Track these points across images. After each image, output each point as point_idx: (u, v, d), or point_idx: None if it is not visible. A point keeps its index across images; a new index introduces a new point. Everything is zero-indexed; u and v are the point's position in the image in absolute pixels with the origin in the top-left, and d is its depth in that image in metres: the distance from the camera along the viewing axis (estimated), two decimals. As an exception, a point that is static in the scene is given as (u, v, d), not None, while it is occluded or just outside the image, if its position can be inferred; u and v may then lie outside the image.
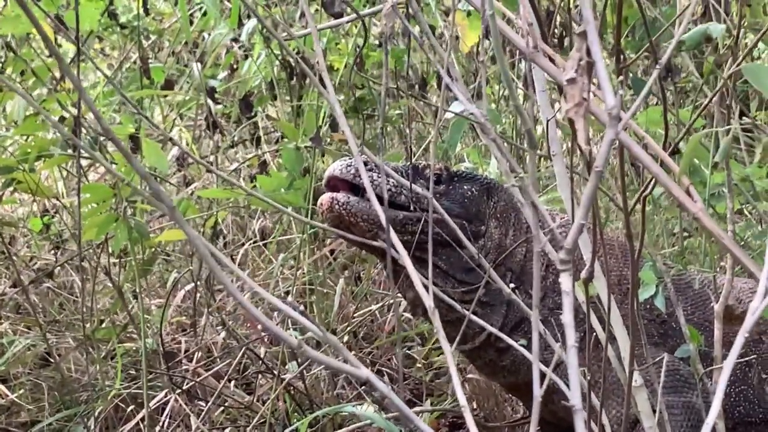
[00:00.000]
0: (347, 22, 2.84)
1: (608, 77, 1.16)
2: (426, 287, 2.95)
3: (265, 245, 5.03)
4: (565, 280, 1.26)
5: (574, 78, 1.19)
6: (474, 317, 2.71)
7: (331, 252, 4.90)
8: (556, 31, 4.77)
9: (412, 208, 3.13)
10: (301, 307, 1.09)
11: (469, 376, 4.09)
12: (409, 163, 3.18)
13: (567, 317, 1.28)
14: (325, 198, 3.10)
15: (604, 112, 1.24)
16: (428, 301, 1.45)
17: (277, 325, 4.32)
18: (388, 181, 3.12)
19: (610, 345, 2.84)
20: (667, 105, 2.23)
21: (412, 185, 2.52)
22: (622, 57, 2.22)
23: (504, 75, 1.39)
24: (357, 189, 3.12)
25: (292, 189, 3.42)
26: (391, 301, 4.51)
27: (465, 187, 3.26)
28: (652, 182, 2.24)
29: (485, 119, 1.36)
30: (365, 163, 3.11)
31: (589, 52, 1.16)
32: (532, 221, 1.25)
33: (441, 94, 1.72)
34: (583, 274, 2.55)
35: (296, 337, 4.04)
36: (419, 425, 1.23)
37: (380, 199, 3.08)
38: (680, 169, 1.54)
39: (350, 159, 3.14)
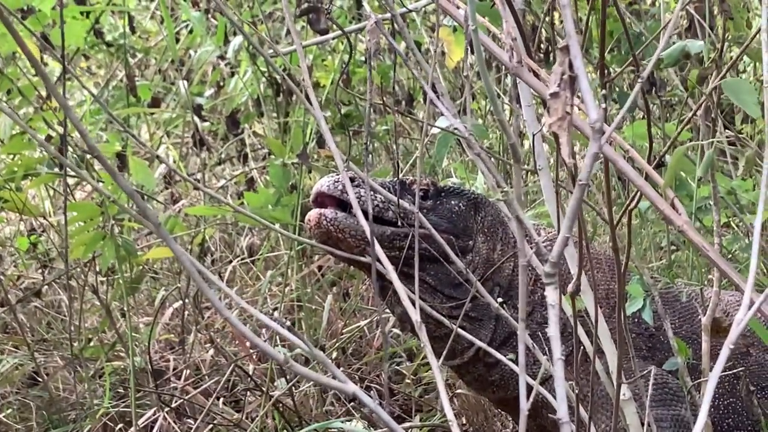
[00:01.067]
0: (333, 38, 2.85)
1: (591, 91, 1.16)
2: (413, 302, 2.95)
3: (253, 262, 5.03)
4: (550, 294, 1.27)
5: (557, 92, 1.20)
6: (462, 332, 2.72)
7: (319, 268, 4.91)
8: (542, 45, 4.79)
9: (399, 223, 3.14)
10: (288, 323, 1.09)
11: (459, 391, 4.09)
12: (396, 178, 3.18)
13: (553, 330, 1.28)
14: (313, 214, 3.11)
15: (588, 126, 1.25)
16: (415, 317, 1.46)
17: (265, 341, 4.32)
18: (376, 196, 3.12)
19: (598, 358, 2.85)
20: (651, 119, 2.24)
21: (400, 201, 2.53)
22: (606, 71, 2.23)
23: (488, 90, 1.40)
24: (345, 205, 3.12)
25: (280, 205, 3.43)
26: (380, 317, 4.52)
27: (452, 202, 3.26)
28: (638, 196, 2.25)
29: (470, 134, 1.37)
30: (352, 179, 3.11)
31: (571, 66, 1.17)
32: (518, 236, 1.26)
33: (426, 110, 1.73)
34: (570, 288, 2.56)
35: (284, 354, 4.05)
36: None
37: (368, 214, 3.10)
38: (665, 182, 1.55)
39: (337, 175, 3.14)
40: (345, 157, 2.61)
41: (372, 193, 3.08)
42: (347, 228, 3.08)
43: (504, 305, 2.77)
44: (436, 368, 1.40)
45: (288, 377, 3.80)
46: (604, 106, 1.24)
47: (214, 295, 1.04)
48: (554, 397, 2.91)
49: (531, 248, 1.31)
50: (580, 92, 1.19)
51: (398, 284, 1.51)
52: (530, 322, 3.23)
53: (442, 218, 3.22)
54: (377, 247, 3.00)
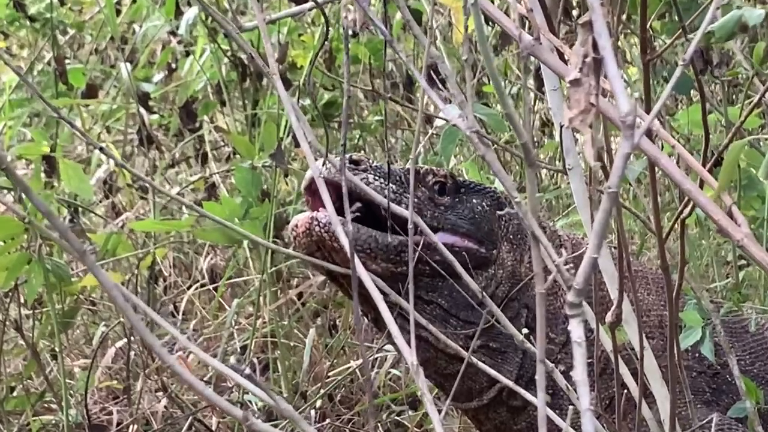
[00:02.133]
0: (310, 9, 2.86)
1: (621, 77, 1.18)
2: (418, 336, 2.98)
3: (215, 288, 5.05)
4: (575, 328, 1.29)
5: (578, 79, 1.21)
6: (482, 366, 2.71)
7: (299, 296, 4.91)
8: (572, 13, 4.81)
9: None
10: (247, 370, 1.09)
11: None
12: (387, 182, 3.18)
13: (579, 373, 1.30)
14: (302, 219, 3.07)
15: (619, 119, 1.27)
16: (410, 358, 1.48)
17: (231, 389, 4.34)
18: (384, 188, 3.10)
19: (647, 404, 2.86)
20: (706, 104, 2.26)
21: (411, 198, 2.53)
22: (650, 45, 2.25)
23: (489, 71, 1.42)
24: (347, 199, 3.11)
25: (248, 218, 3.44)
26: (376, 355, 4.53)
27: (474, 200, 3.26)
28: (692, 201, 2.27)
29: (472, 129, 1.39)
30: (357, 162, 3.10)
31: (596, 47, 1.19)
32: (534, 257, 1.28)
33: (421, 97, 1.73)
34: (609, 318, 2.59)
35: (255, 404, 4.05)
36: None
37: (369, 217, 3.10)
38: (719, 185, 1.57)
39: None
40: (320, 154, 2.61)
41: (381, 183, 3.06)
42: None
43: (531, 334, 2.77)
44: (437, 421, 1.42)
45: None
46: (636, 94, 1.25)
47: (152, 335, 1.05)
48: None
49: (556, 266, 1.33)
50: (607, 78, 1.21)
51: (388, 317, 1.53)
52: (565, 356, 3.24)
53: (463, 219, 3.21)
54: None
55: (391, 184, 3.08)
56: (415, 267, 3.08)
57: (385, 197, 3.07)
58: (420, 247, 3.05)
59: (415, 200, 3.09)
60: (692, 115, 3.86)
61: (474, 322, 3.17)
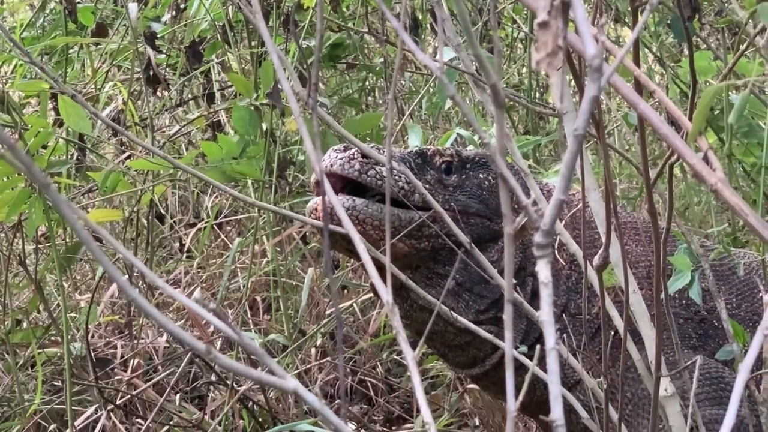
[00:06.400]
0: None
1: (587, 18, 1.16)
2: (430, 310, 2.99)
3: (219, 227, 5.04)
4: (542, 269, 1.28)
5: (546, 21, 1.20)
6: (489, 337, 2.76)
7: (303, 237, 4.90)
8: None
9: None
10: (212, 305, 1.08)
11: (470, 386, 4.11)
12: (407, 147, 3.19)
13: (546, 314, 1.30)
14: (319, 204, 3.10)
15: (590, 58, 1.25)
16: (386, 297, 1.47)
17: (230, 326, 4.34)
18: (399, 177, 3.12)
19: (638, 350, 2.86)
20: (693, 51, 2.24)
21: (420, 183, 2.55)
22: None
23: (458, 7, 1.40)
24: (359, 187, 3.12)
25: (245, 157, 3.42)
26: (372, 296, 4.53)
27: (481, 176, 3.28)
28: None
29: (442, 71, 1.37)
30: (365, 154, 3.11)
31: (563, -11, 1.17)
32: (502, 199, 1.27)
33: (399, 44, 1.71)
34: (596, 261, 2.58)
35: (257, 341, 4.06)
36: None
37: (391, 200, 3.11)
38: (692, 129, 1.55)
39: (348, 148, 3.12)
40: (335, 98, 2.61)
41: (395, 172, 3.08)
42: (369, 218, 3.08)
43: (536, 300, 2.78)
44: (411, 360, 1.42)
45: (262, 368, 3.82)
46: (603, 39, 1.24)
47: (118, 272, 1.05)
48: (581, 402, 2.94)
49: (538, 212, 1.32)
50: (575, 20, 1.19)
51: (366, 257, 1.52)
52: (564, 314, 3.26)
53: (472, 197, 3.23)
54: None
55: (402, 175, 3.10)
56: (435, 242, 3.11)
57: (409, 183, 3.09)
58: (436, 222, 3.07)
59: (427, 185, 3.14)
60: (696, 62, 3.83)
61: (486, 296, 3.21)
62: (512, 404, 1.43)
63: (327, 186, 1.65)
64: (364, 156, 3.08)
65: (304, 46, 4.33)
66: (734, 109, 1.57)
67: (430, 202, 2.62)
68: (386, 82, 5.22)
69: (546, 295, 1.33)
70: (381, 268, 2.37)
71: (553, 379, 1.35)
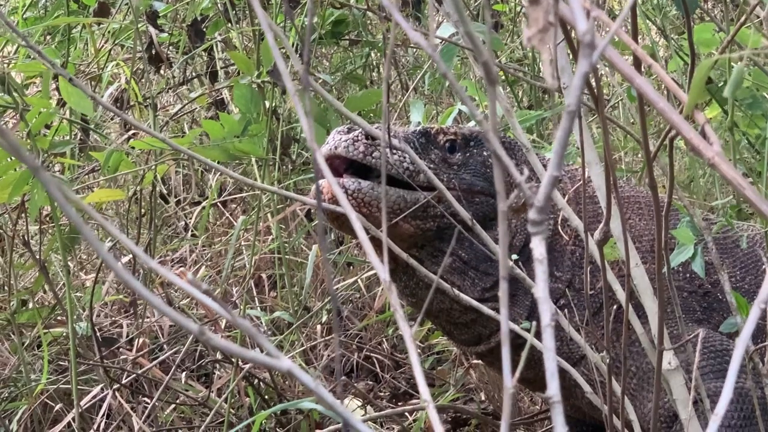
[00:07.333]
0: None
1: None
2: (436, 288, 2.98)
3: (224, 205, 5.04)
4: (537, 245, 1.27)
5: (537, -4, 1.19)
6: (494, 315, 2.77)
7: (308, 213, 4.90)
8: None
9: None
10: (204, 285, 1.08)
11: (476, 361, 4.11)
12: (409, 126, 3.18)
13: (540, 290, 1.29)
14: (328, 185, 3.09)
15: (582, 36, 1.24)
16: (383, 275, 1.47)
17: (233, 304, 4.34)
18: (404, 156, 3.12)
19: (642, 324, 2.86)
20: (691, 23, 2.22)
21: (424, 163, 2.55)
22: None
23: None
24: (364, 169, 3.11)
25: (247, 135, 3.41)
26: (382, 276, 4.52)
27: (485, 153, 3.27)
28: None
29: (433, 49, 1.36)
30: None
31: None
32: (496, 177, 1.26)
33: (393, 25, 1.69)
34: (597, 235, 2.57)
35: (261, 320, 4.06)
36: (360, 428, 1.25)
37: (394, 180, 3.11)
38: (688, 102, 1.53)
39: (352, 129, 3.11)
40: (337, 75, 2.60)
41: (398, 152, 3.08)
42: (375, 200, 3.07)
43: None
44: (407, 336, 1.41)
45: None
46: (598, 12, 1.22)
47: (103, 247, 1.04)
48: (586, 378, 2.94)
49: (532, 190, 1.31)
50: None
51: (363, 236, 1.51)
52: (569, 289, 3.26)
53: (477, 175, 3.23)
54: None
55: (407, 155, 3.09)
56: (441, 221, 3.11)
57: (415, 164, 3.08)
58: (442, 202, 3.07)
59: (431, 165, 3.14)
60: (699, 34, 3.81)
61: (491, 274, 3.22)
62: (509, 381, 1.42)
63: (325, 169, 1.64)
64: (368, 137, 3.07)
65: (306, 23, 4.31)
66: (730, 81, 1.55)
67: (434, 181, 2.63)
68: (386, 59, 5.21)
69: (541, 272, 1.32)
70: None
71: (549, 355, 1.35)
